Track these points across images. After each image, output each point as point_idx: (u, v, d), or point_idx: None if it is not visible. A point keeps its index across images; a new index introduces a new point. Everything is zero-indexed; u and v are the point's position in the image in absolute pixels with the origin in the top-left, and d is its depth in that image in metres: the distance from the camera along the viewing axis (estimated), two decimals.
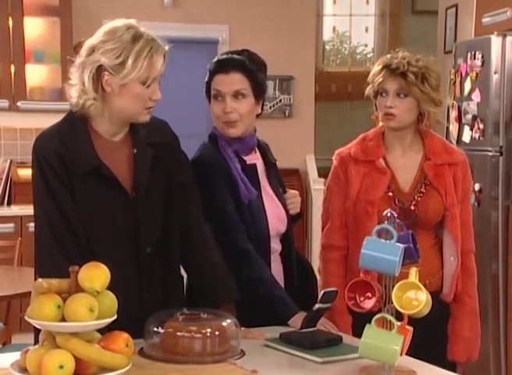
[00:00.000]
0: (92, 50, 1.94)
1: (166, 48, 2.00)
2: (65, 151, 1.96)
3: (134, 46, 1.91)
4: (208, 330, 1.88)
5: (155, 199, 2.05)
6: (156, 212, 2.06)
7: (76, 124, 2.00)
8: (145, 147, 2.04)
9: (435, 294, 2.24)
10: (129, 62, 1.91)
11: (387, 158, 2.41)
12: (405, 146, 2.41)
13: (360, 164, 2.39)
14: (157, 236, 2.06)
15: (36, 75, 5.17)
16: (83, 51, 1.97)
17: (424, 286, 2.14)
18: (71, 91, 1.99)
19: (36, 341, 1.97)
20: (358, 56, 7.94)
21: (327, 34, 7.84)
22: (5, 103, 5.05)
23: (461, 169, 2.41)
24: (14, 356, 1.70)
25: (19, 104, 5.07)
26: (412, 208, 2.36)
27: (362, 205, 2.35)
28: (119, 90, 1.94)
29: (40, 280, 1.66)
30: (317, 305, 2.03)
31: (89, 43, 1.97)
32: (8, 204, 5.11)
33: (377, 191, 2.35)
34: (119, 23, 1.97)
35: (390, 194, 2.36)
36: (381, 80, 2.35)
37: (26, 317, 1.64)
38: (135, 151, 2.03)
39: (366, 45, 7.86)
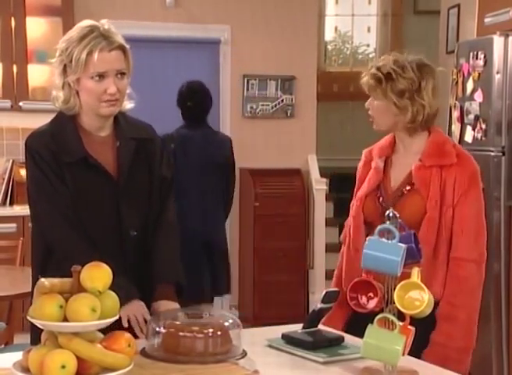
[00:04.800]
0: (61, 51, 2.13)
1: (121, 41, 2.12)
2: (54, 144, 2.14)
3: (79, 44, 2.08)
4: (210, 330, 1.89)
5: (138, 185, 2.22)
6: (140, 198, 2.22)
7: (64, 122, 2.18)
8: (128, 140, 2.22)
9: None
10: (73, 59, 2.08)
11: (391, 158, 2.43)
12: (405, 147, 2.40)
13: (367, 163, 2.48)
14: (142, 220, 2.22)
15: (38, 75, 5.16)
16: (58, 50, 2.16)
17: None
18: (55, 91, 2.19)
19: (32, 341, 1.99)
20: (360, 56, 7.94)
21: (329, 34, 7.83)
22: (7, 103, 5.05)
23: (454, 174, 2.31)
24: (16, 356, 1.71)
25: (21, 104, 5.07)
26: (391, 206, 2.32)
27: (355, 201, 2.43)
28: (77, 86, 2.13)
29: (42, 279, 1.67)
30: (319, 305, 2.04)
31: (61, 43, 2.15)
32: (11, 204, 5.10)
33: (366, 187, 2.41)
34: (82, 23, 2.14)
35: (377, 193, 2.38)
36: (363, 82, 2.37)
37: (28, 317, 1.65)
38: (118, 143, 2.21)
39: (368, 45, 7.84)
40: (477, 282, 2.31)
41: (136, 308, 2.09)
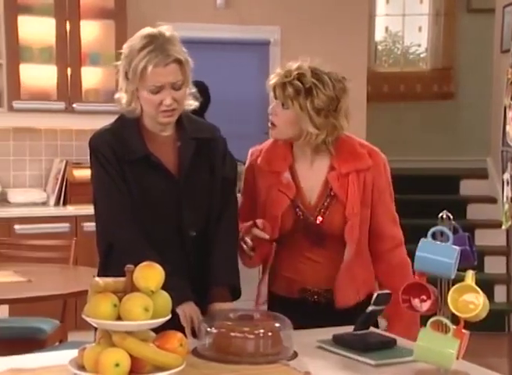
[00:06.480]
0: (124, 56, 2.15)
1: (174, 57, 2.09)
2: (116, 143, 2.17)
3: (137, 55, 2.09)
4: (261, 330, 1.89)
5: (199, 186, 2.21)
6: (200, 199, 2.21)
7: (127, 122, 2.20)
8: (189, 140, 2.22)
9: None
10: (131, 70, 2.10)
11: (295, 168, 2.33)
12: (308, 156, 2.31)
13: (266, 175, 2.33)
14: (202, 221, 2.21)
15: (91, 77, 5.24)
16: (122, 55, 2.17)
17: (329, 291, 2.29)
18: (118, 93, 2.20)
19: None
20: (411, 56, 7.84)
21: (379, 34, 7.75)
22: (61, 105, 5.12)
23: (372, 173, 2.29)
24: (71, 353, 1.74)
25: (74, 106, 5.14)
26: (318, 222, 2.28)
27: (268, 220, 2.27)
28: (136, 93, 2.13)
29: (97, 278, 1.69)
30: (370, 308, 2.01)
31: (123, 49, 2.17)
32: (64, 204, 5.18)
33: (280, 205, 2.28)
34: (143, 31, 2.14)
35: (295, 209, 2.29)
36: (271, 83, 2.26)
37: (83, 315, 1.67)
38: (179, 144, 2.22)
39: (419, 45, 7.73)
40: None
41: (189, 309, 2.11)
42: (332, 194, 2.29)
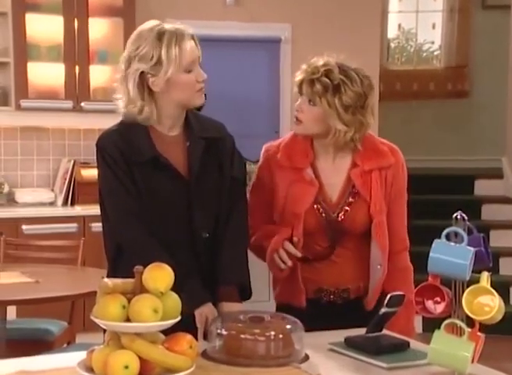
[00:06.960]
0: (129, 62, 2.11)
1: (190, 31, 2.12)
2: (124, 144, 2.14)
3: (161, 42, 2.06)
4: (272, 332, 1.86)
5: (209, 186, 2.18)
6: (211, 199, 2.18)
7: (134, 122, 2.16)
8: (197, 140, 2.19)
9: (358, 301, 2.31)
10: (163, 58, 2.06)
11: (316, 165, 2.30)
12: (330, 153, 2.29)
13: (286, 171, 2.29)
14: (213, 223, 2.19)
15: (99, 75, 5.22)
16: (121, 64, 2.13)
17: (346, 291, 2.27)
18: (119, 104, 2.18)
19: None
20: (424, 54, 7.79)
21: (392, 32, 7.70)
22: (69, 104, 5.10)
23: (392, 171, 2.29)
24: (80, 355, 1.72)
25: (82, 104, 5.12)
26: (339, 219, 2.27)
27: (288, 217, 2.26)
28: (167, 86, 2.09)
29: (105, 279, 1.67)
30: (383, 309, 1.99)
31: (124, 55, 2.13)
32: (72, 204, 5.16)
33: (303, 203, 2.25)
34: (143, 27, 2.13)
35: (316, 206, 2.26)
36: (298, 80, 2.24)
37: (91, 317, 1.66)
38: (188, 144, 2.19)
39: (433, 42, 7.68)
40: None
41: (207, 311, 2.09)
42: (354, 191, 2.28)
